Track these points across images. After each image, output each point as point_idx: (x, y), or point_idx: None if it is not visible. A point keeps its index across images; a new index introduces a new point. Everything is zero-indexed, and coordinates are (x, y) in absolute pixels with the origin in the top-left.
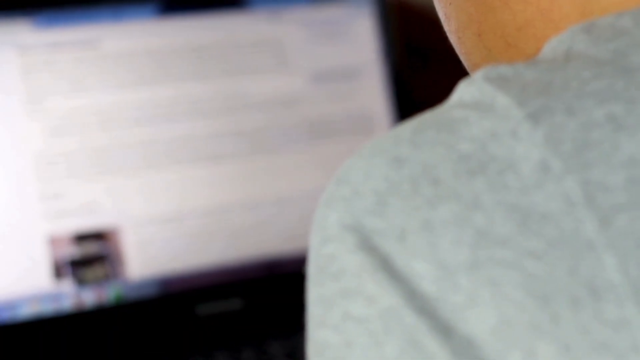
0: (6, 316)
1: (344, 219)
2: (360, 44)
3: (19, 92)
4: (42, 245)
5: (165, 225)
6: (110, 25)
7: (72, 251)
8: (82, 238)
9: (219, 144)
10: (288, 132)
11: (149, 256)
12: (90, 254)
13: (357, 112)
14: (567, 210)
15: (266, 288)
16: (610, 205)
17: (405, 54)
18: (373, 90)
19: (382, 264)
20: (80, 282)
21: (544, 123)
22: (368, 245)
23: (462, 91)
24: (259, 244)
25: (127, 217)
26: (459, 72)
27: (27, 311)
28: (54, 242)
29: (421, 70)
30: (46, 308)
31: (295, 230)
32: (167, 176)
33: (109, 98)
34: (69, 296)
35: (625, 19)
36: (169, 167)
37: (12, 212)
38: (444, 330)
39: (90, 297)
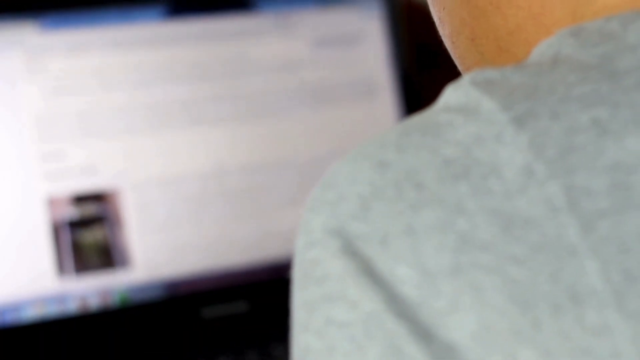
0: (10, 318)
1: (328, 223)
2: (369, 47)
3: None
4: (42, 207)
5: (165, 187)
6: (117, 27)
7: (71, 212)
8: (81, 199)
9: (220, 108)
10: (290, 97)
11: (148, 219)
12: (89, 216)
13: (359, 78)
14: (550, 215)
15: (271, 291)
16: (593, 210)
17: (414, 55)
18: (376, 57)
19: (364, 268)
20: (79, 244)
21: (529, 127)
22: (351, 250)
23: (449, 95)
24: (258, 212)
25: (127, 179)
26: None
27: (31, 313)
28: (52, 202)
29: (431, 70)
30: (51, 310)
31: (294, 195)
32: (167, 139)
33: (109, 59)
34: (74, 298)
35: (614, 23)
36: (169, 130)
37: (12, 172)
38: (425, 335)
39: (95, 300)
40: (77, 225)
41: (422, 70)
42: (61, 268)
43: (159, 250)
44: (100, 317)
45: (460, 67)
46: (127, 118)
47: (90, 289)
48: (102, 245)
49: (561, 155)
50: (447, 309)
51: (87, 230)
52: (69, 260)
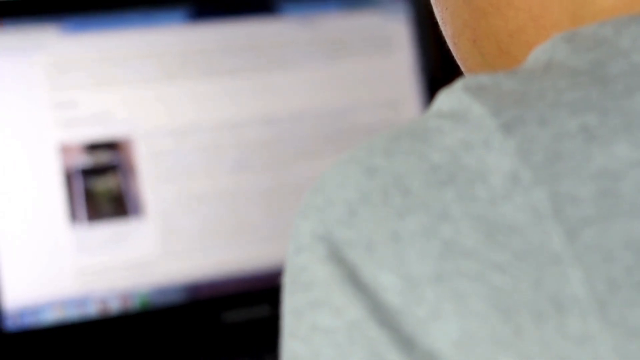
0: (30, 321)
1: (316, 229)
2: (395, 51)
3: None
4: (55, 154)
5: (178, 137)
6: (140, 31)
7: (84, 160)
8: (94, 147)
9: (235, 58)
10: (305, 49)
11: (162, 168)
12: (102, 164)
13: (376, 32)
14: (534, 222)
15: None
16: (578, 217)
17: (440, 58)
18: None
19: (349, 275)
20: (91, 192)
21: (517, 133)
22: (337, 256)
23: (442, 100)
24: (272, 163)
25: (140, 128)
26: None
27: (51, 316)
28: (65, 150)
29: (457, 75)
30: (71, 313)
31: (307, 147)
32: (181, 88)
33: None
34: (94, 301)
35: (607, 28)
36: (183, 79)
37: (24, 119)
38: (407, 343)
39: (115, 303)
40: (90, 173)
41: (449, 74)
42: (74, 216)
43: (172, 199)
44: (120, 321)
45: (463, 69)
46: (142, 66)
47: (104, 239)
48: (115, 194)
49: (548, 161)
50: (429, 317)
51: (100, 179)
52: (82, 208)
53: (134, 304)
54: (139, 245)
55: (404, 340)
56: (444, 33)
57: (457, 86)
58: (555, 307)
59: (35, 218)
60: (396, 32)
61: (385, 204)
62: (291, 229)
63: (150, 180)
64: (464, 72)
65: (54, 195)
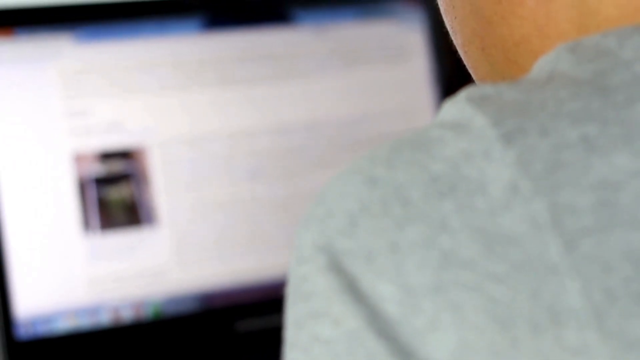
0: (43, 330)
1: (317, 239)
2: (410, 60)
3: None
4: (69, 163)
5: (192, 146)
6: (154, 40)
7: (97, 169)
8: (107, 156)
9: (250, 68)
10: (320, 59)
11: (175, 177)
12: (116, 173)
13: (391, 41)
14: (533, 233)
15: None
16: (577, 228)
17: (456, 68)
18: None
19: (349, 285)
20: (105, 201)
21: (517, 144)
22: (337, 267)
23: (445, 110)
24: (286, 173)
25: (154, 137)
26: None
27: (64, 325)
28: (79, 159)
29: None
30: (83, 322)
31: (322, 156)
32: (196, 97)
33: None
34: (107, 310)
35: (610, 38)
36: (198, 87)
37: (38, 128)
38: (404, 354)
39: (128, 312)
40: (104, 182)
41: (464, 83)
42: (87, 224)
43: (186, 208)
44: (133, 330)
45: (474, 78)
46: (156, 74)
47: (117, 247)
48: (128, 203)
49: (548, 172)
50: (426, 327)
51: (114, 187)
52: (95, 217)
53: (146, 313)
54: (152, 254)
55: (401, 350)
56: (455, 42)
57: (461, 96)
58: (553, 319)
59: (49, 226)
60: (411, 42)
61: (385, 215)
62: (294, 240)
63: (163, 189)
64: (475, 81)
65: (67, 203)
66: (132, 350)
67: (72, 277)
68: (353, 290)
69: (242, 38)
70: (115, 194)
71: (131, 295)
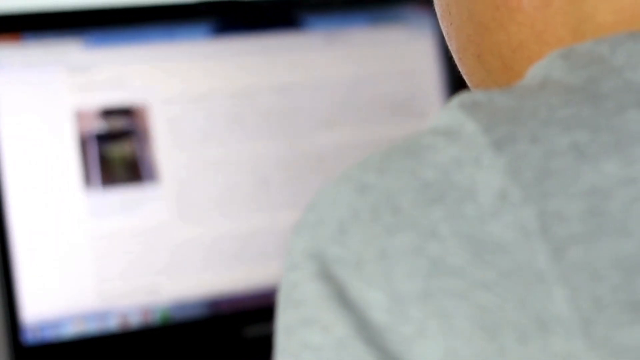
0: (51, 335)
1: (308, 246)
2: (420, 66)
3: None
4: (70, 119)
5: (195, 104)
6: (163, 45)
7: (99, 125)
8: (109, 113)
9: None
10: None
11: (177, 135)
12: (117, 129)
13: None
14: (521, 240)
15: None
16: (565, 236)
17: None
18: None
19: (338, 293)
20: (106, 158)
21: (507, 151)
22: (327, 274)
23: (438, 117)
24: (290, 131)
25: (157, 95)
26: None
27: (72, 330)
28: (80, 115)
29: None
30: (91, 327)
31: (327, 116)
32: (199, 54)
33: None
34: (115, 315)
35: (603, 45)
36: (202, 46)
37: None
38: None
39: (136, 317)
40: (105, 138)
41: None
42: (88, 181)
43: (188, 166)
44: (141, 335)
45: (469, 84)
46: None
47: (118, 204)
48: (129, 159)
49: (537, 179)
50: (414, 335)
51: (115, 144)
52: (96, 173)
53: (154, 318)
54: (153, 211)
55: (389, 358)
56: (450, 48)
57: (453, 103)
58: (540, 326)
59: (50, 182)
60: (421, 47)
61: (376, 222)
62: (287, 246)
63: (165, 147)
64: (470, 88)
65: (68, 160)
66: (140, 355)
67: (73, 234)
68: (342, 298)
69: (251, 44)
70: (116, 151)
71: (133, 251)
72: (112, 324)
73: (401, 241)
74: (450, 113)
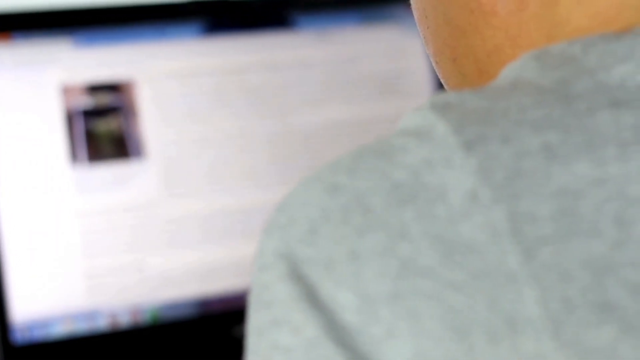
0: (40, 335)
1: (278, 247)
2: (411, 65)
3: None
4: (56, 95)
5: (182, 81)
6: (153, 44)
7: (86, 101)
8: (96, 89)
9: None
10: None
11: (164, 111)
12: (104, 105)
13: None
14: (492, 241)
15: None
16: (536, 236)
17: None
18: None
19: (308, 293)
20: (93, 133)
21: (478, 151)
22: (297, 274)
23: (409, 118)
24: (277, 109)
25: (144, 71)
26: None
27: (61, 330)
28: (67, 91)
29: None
30: (81, 327)
31: (314, 95)
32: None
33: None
34: (104, 315)
35: (576, 46)
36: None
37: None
38: None
39: (125, 317)
40: (92, 114)
41: None
42: (74, 156)
43: (175, 142)
44: (130, 335)
45: (446, 88)
46: None
47: (105, 180)
48: (116, 135)
49: (508, 180)
50: (384, 336)
51: (102, 120)
52: (82, 149)
53: (144, 318)
54: (140, 187)
55: (359, 359)
56: (427, 52)
57: (425, 104)
58: (510, 327)
59: (36, 158)
60: (413, 46)
61: (346, 223)
62: (257, 247)
63: (152, 123)
64: (447, 91)
65: (54, 135)
66: (130, 355)
67: (60, 210)
68: (312, 299)
69: (242, 43)
70: (103, 127)
71: (121, 227)
72: (101, 324)
73: (371, 242)
74: (421, 114)
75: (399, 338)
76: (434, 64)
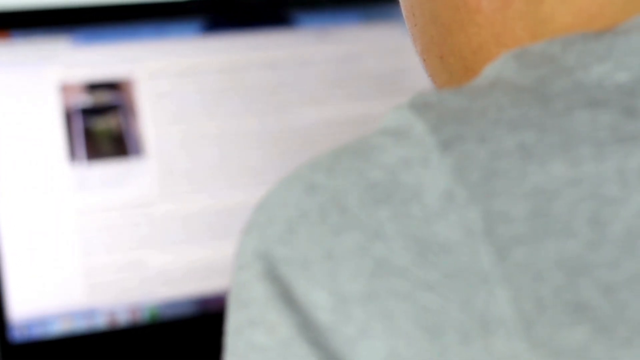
0: (38, 333)
1: (257, 246)
2: (413, 65)
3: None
4: (55, 93)
5: (181, 79)
6: (152, 43)
7: (84, 99)
8: (95, 87)
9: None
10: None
11: (164, 109)
12: (103, 103)
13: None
14: (466, 241)
15: None
16: (509, 236)
17: None
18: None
19: (283, 293)
20: (91, 131)
21: (455, 151)
22: (274, 274)
23: (388, 117)
24: (276, 107)
25: (143, 69)
26: None
27: (59, 328)
28: (65, 89)
29: None
30: (79, 325)
31: (313, 92)
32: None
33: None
34: (103, 313)
35: (555, 45)
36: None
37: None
38: None
39: (124, 315)
40: (90, 112)
41: None
42: (73, 154)
43: (174, 140)
44: (129, 333)
45: (434, 85)
46: None
47: (104, 178)
48: (115, 134)
49: (484, 179)
50: (357, 336)
51: (101, 118)
52: (81, 147)
53: (143, 316)
54: (139, 185)
55: (333, 359)
56: (415, 50)
57: (404, 103)
58: (482, 327)
59: (35, 157)
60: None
61: (323, 222)
62: (237, 246)
63: (151, 121)
64: (435, 89)
65: (53, 134)
66: (129, 354)
67: (58, 209)
68: (287, 298)
69: (241, 44)
70: (102, 125)
71: (117, 225)
72: (100, 322)
73: (347, 241)
74: (400, 113)
75: (372, 338)
76: (422, 62)
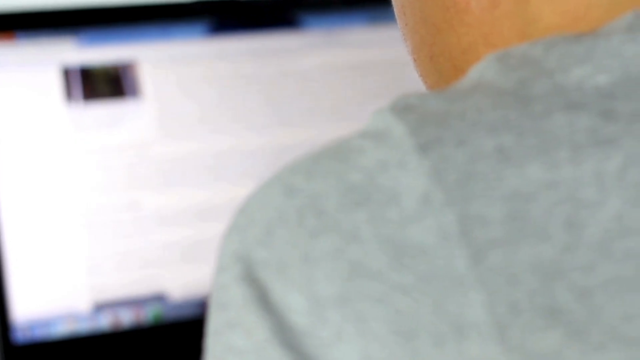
0: (41, 334)
1: (237, 248)
2: None
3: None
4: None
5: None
6: (158, 44)
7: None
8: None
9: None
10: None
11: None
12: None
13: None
14: (441, 244)
15: None
16: (485, 240)
17: None
18: None
19: (260, 296)
20: (88, 72)
21: (433, 153)
22: (252, 277)
23: (370, 120)
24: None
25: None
26: None
27: (62, 330)
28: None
29: None
30: (82, 327)
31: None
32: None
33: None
34: (106, 315)
35: (537, 47)
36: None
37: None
38: None
39: (127, 317)
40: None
41: None
42: (69, 95)
43: (171, 82)
44: (132, 335)
45: (425, 86)
46: None
47: (100, 119)
48: (112, 74)
49: (460, 182)
50: (331, 339)
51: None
52: (78, 87)
53: (146, 318)
54: (135, 126)
55: None
56: (407, 49)
57: (386, 106)
58: (456, 331)
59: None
60: None
61: (301, 225)
62: (219, 248)
63: (149, 64)
64: (426, 89)
65: (50, 74)
66: (132, 355)
67: (57, 149)
68: (264, 301)
69: (247, 46)
70: (99, 66)
71: (117, 166)
72: (103, 324)
73: (323, 244)
74: (381, 116)
75: (346, 341)
76: (413, 62)
